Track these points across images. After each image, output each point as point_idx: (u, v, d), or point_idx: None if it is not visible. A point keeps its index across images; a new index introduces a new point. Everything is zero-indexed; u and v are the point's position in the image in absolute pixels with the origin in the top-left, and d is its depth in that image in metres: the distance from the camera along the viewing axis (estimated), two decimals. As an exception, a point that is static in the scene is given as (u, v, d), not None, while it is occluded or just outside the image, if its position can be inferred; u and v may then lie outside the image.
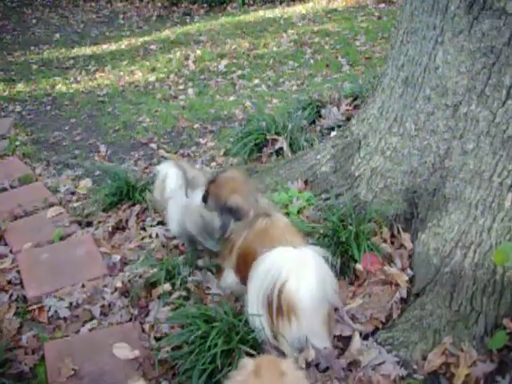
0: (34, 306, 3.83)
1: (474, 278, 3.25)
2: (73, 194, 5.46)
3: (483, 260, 3.25)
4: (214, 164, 5.82)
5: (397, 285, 3.48)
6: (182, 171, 3.87)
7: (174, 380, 3.08)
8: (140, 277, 3.85)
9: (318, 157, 4.44)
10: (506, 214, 3.23)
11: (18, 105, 8.61)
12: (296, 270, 2.80)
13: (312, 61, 9.41)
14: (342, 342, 3.27)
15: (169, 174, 3.90)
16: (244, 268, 3.11)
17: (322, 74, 8.66)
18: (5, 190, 5.67)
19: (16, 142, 6.92)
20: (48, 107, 8.53)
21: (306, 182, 4.38)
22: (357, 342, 3.21)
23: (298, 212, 4.13)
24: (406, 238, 3.71)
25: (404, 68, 3.72)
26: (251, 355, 2.92)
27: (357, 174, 4.05)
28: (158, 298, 3.66)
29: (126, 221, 4.61)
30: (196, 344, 3.02)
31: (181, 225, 3.88)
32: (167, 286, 3.66)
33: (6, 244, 4.62)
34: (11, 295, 3.93)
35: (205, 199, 3.56)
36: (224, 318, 3.09)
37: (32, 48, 12.08)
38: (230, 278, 3.49)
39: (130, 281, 3.90)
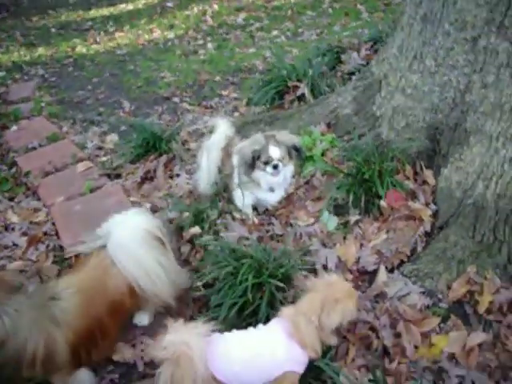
0: (71, 254, 3.97)
1: (496, 208, 3.32)
2: (100, 149, 5.57)
3: (505, 191, 3.30)
4: (236, 114, 5.88)
5: (421, 219, 3.56)
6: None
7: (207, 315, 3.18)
8: (171, 222, 3.94)
9: (340, 100, 4.48)
10: (527, 144, 3.27)
11: (40, 68, 8.68)
12: None
13: (331, 10, 9.35)
14: (369, 276, 3.39)
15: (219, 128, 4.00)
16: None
17: (341, 22, 8.60)
18: (34, 148, 5.79)
19: (41, 103, 7.03)
20: (70, 69, 8.60)
21: (328, 125, 4.43)
22: (383, 274, 3.32)
23: (322, 154, 4.20)
24: (428, 174, 3.77)
25: (422, 5, 3.71)
26: (281, 288, 3.04)
27: (378, 114, 4.09)
28: (189, 241, 3.74)
29: (154, 171, 4.71)
30: (227, 279, 3.13)
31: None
32: (197, 229, 3.72)
33: (39, 199, 4.77)
34: (48, 245, 4.07)
35: None
36: (253, 255, 3.19)
37: (50, 12, 12.10)
38: None
39: (161, 226, 4.00)
